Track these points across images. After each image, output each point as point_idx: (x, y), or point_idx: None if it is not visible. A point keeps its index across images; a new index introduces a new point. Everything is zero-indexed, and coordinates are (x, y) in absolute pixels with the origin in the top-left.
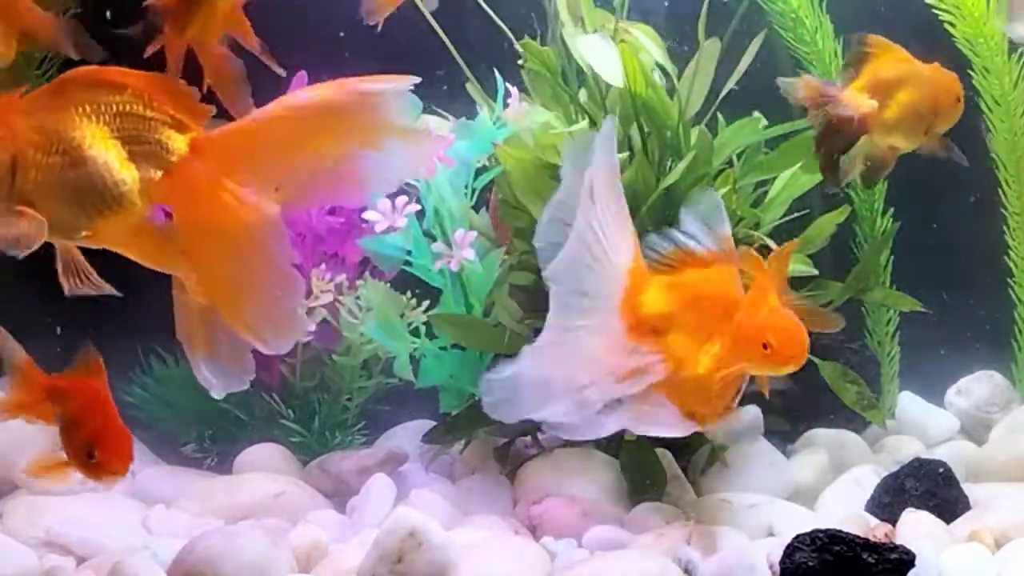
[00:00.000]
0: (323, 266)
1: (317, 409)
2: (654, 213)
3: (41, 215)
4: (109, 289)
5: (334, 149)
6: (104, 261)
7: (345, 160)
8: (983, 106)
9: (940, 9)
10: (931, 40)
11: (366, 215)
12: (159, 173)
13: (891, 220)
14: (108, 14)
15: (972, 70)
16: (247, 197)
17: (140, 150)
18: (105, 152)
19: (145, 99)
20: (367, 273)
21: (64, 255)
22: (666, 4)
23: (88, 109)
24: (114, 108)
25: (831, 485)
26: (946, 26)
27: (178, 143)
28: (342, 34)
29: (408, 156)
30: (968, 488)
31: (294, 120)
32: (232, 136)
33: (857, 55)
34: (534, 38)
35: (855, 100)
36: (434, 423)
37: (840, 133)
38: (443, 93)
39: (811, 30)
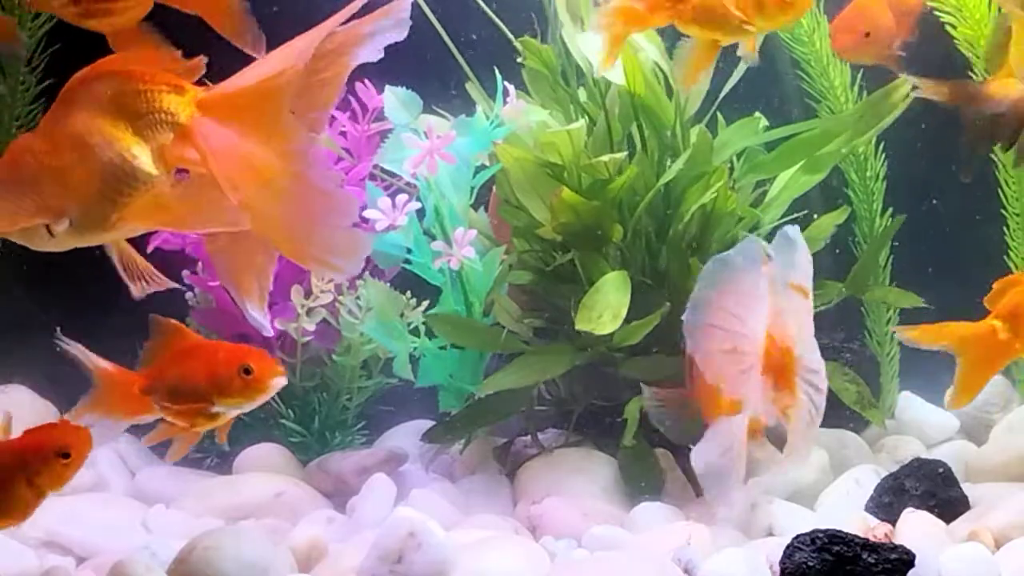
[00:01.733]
0: None
1: (317, 409)
2: (653, 211)
3: (73, 214)
4: (173, 284)
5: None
6: (106, 262)
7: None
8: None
9: (942, 11)
10: (932, 41)
11: (366, 213)
12: (171, 138)
13: (891, 219)
14: None
15: (973, 72)
16: (272, 132)
17: (146, 122)
18: (109, 135)
19: (137, 75)
20: (367, 273)
21: (122, 258)
22: None
23: (89, 104)
24: (110, 94)
25: (831, 485)
26: (947, 28)
27: (182, 105)
28: None
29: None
30: (968, 488)
31: (291, 67)
32: (233, 87)
33: (1001, 35)
34: (534, 37)
35: (1003, 91)
36: (434, 423)
37: (1002, 125)
38: (443, 92)
39: (808, 30)
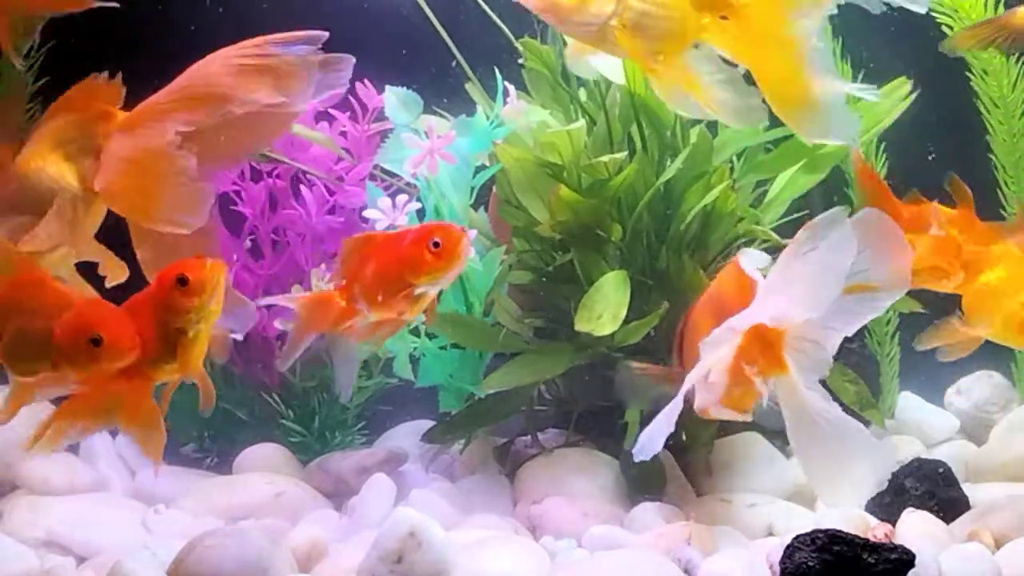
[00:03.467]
0: (323, 266)
1: (317, 409)
2: (653, 211)
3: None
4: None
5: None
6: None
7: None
8: (982, 108)
9: (938, 11)
10: (929, 41)
11: (366, 213)
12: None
13: None
14: None
15: (971, 72)
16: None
17: (77, 148)
18: (41, 161)
19: (75, 109)
20: None
21: None
22: None
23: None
24: (54, 127)
25: None
26: (944, 28)
27: (105, 129)
28: (342, 33)
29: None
30: (968, 488)
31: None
32: (146, 109)
33: None
34: (534, 37)
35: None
36: (434, 423)
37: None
38: (443, 92)
39: None
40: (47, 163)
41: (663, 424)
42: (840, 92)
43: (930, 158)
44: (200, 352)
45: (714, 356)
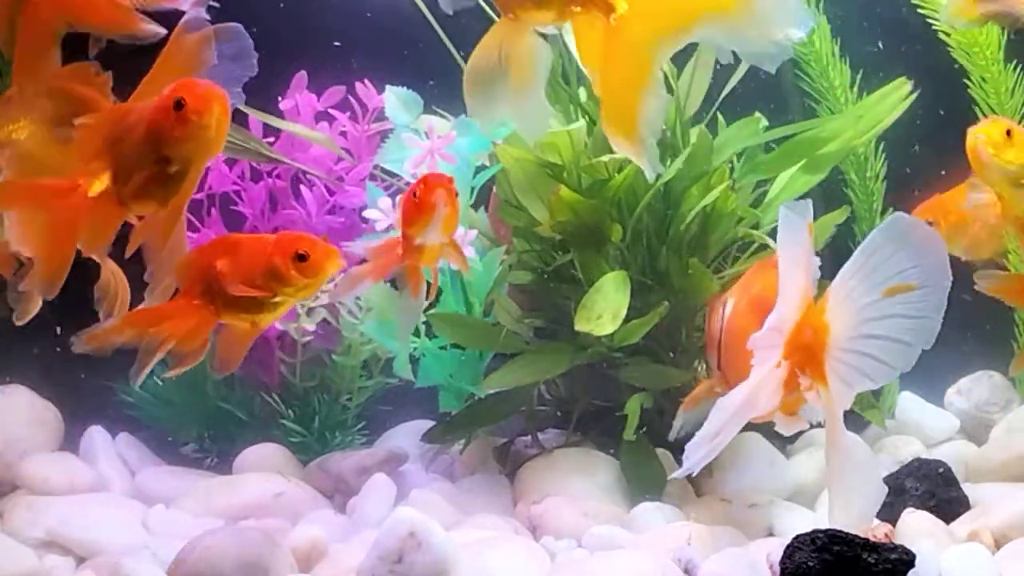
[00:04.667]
0: None
1: (317, 409)
2: (653, 211)
3: None
4: None
5: None
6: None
7: None
8: (980, 114)
9: (937, 19)
10: (927, 49)
11: (366, 213)
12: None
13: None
14: None
15: (969, 79)
16: None
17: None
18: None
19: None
20: None
21: None
22: None
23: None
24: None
25: None
26: (941, 35)
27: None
28: (342, 33)
29: None
30: (968, 488)
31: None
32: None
33: None
34: None
35: None
36: (434, 423)
37: None
38: (443, 92)
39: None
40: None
41: (714, 437)
42: (658, 126)
43: (915, 149)
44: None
45: (765, 368)
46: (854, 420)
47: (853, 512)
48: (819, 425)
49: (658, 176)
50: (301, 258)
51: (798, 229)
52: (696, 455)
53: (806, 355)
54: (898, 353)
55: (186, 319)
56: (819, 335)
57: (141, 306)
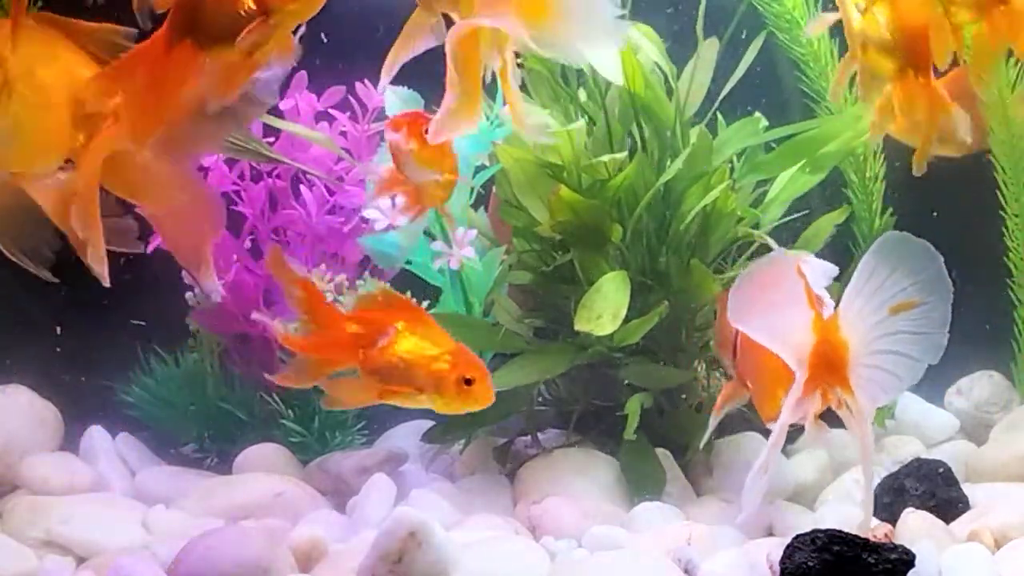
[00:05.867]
0: (323, 266)
1: (317, 409)
2: (653, 211)
3: None
4: None
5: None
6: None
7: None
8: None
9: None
10: None
11: (366, 213)
12: None
13: (889, 218)
14: None
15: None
16: None
17: None
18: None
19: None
20: (367, 273)
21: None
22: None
23: None
24: None
25: (831, 485)
26: None
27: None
28: (342, 33)
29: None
30: (968, 488)
31: None
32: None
33: None
34: None
35: None
36: (434, 423)
37: None
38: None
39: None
40: None
41: (762, 476)
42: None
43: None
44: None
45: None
46: None
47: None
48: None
49: (658, 176)
50: (467, 382)
51: (785, 268)
52: (753, 496)
53: (830, 370)
54: (907, 367)
55: (332, 339)
56: (839, 350)
57: None
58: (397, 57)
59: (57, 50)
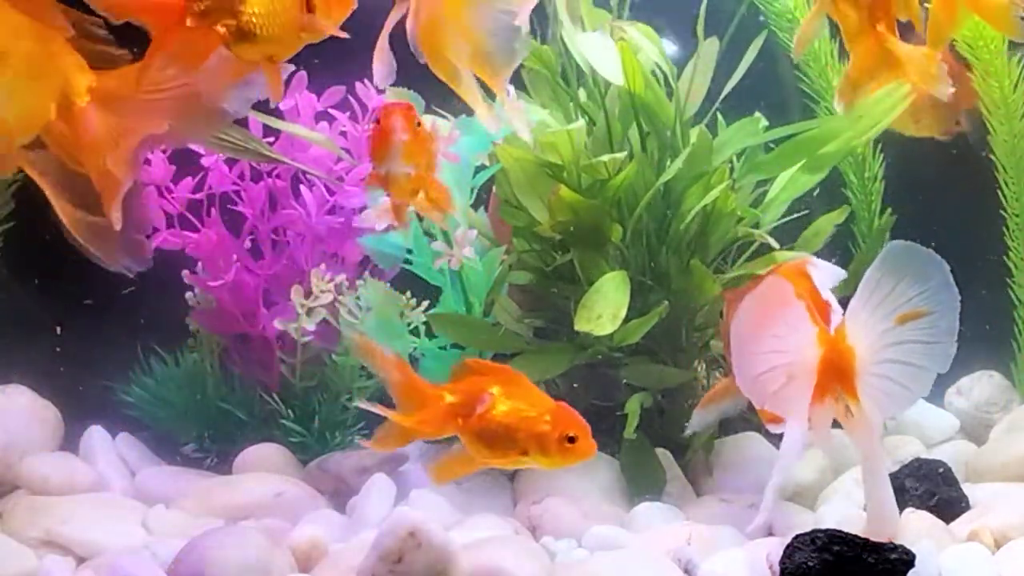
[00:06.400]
0: (323, 266)
1: (317, 409)
2: (653, 211)
3: None
4: None
5: None
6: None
7: None
8: (983, 108)
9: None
10: None
11: (360, 219)
12: None
13: (889, 217)
14: None
15: (972, 74)
16: None
17: None
18: None
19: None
20: (367, 273)
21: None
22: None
23: None
24: None
25: (831, 485)
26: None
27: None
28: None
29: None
30: (968, 488)
31: None
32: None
33: None
34: (534, 37)
35: None
36: None
37: None
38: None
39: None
40: None
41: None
42: None
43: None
44: None
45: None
46: None
47: (890, 520)
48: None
49: (658, 176)
50: (570, 440)
51: (782, 293)
52: (770, 506)
53: (838, 378)
54: (916, 377)
55: (432, 411)
56: (847, 357)
57: None
58: (383, 55)
59: (32, 23)
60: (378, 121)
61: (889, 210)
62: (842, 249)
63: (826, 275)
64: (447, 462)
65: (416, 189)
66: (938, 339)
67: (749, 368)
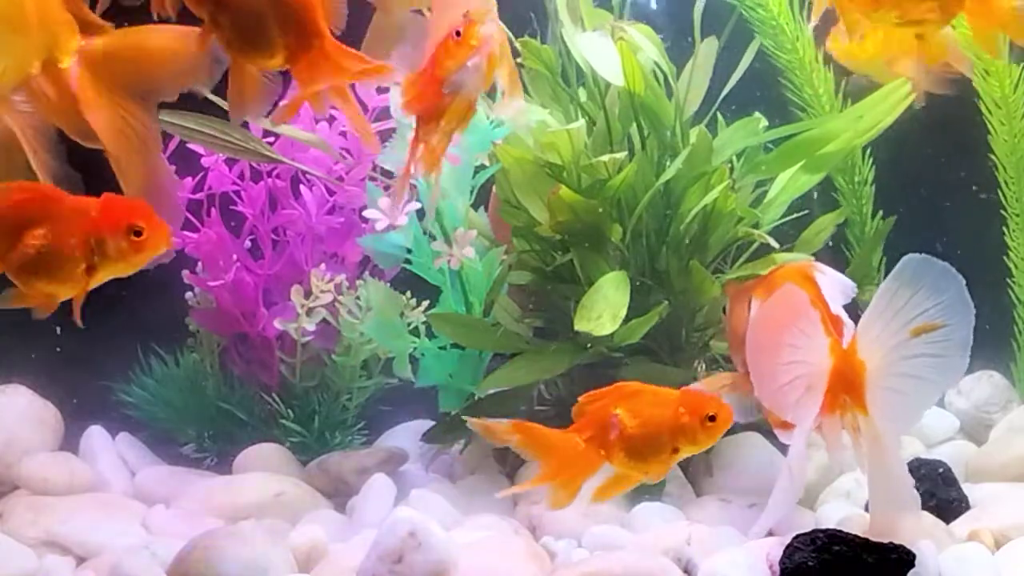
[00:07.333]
0: (323, 266)
1: (317, 409)
2: (653, 211)
3: None
4: None
5: None
6: None
7: None
8: (984, 108)
9: None
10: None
11: (366, 213)
12: None
13: (882, 220)
14: None
15: (973, 73)
16: None
17: None
18: None
19: None
20: (367, 273)
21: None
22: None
23: None
24: None
25: (831, 485)
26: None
27: None
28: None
29: None
30: (968, 488)
31: None
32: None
33: None
34: (534, 37)
35: None
36: (434, 423)
37: None
38: None
39: (792, 38)
40: None
41: (784, 500)
42: None
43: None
44: None
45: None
46: None
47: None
48: None
49: (658, 176)
50: (711, 419)
51: (798, 302)
52: (776, 513)
53: (848, 391)
54: (926, 391)
55: (572, 456)
56: (857, 369)
57: None
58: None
59: None
60: (459, 33)
61: (881, 213)
62: (835, 252)
63: (835, 285)
64: (606, 485)
65: (464, 120)
66: (950, 353)
67: (771, 380)
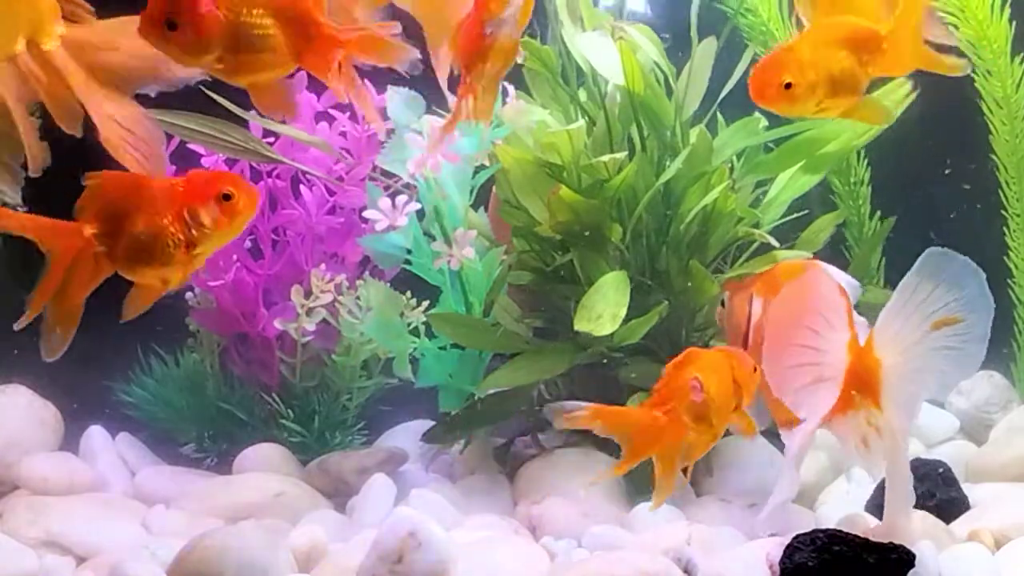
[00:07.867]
0: (323, 266)
1: (317, 409)
2: (653, 211)
3: None
4: None
5: None
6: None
7: None
8: (985, 108)
9: (944, 11)
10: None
11: (366, 214)
12: None
13: (881, 221)
14: None
15: (975, 72)
16: None
17: None
18: None
19: None
20: (367, 273)
21: None
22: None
23: None
24: None
25: (831, 485)
26: (950, 28)
27: None
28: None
29: None
30: (968, 488)
31: None
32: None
33: None
34: (534, 37)
35: None
36: (434, 423)
37: None
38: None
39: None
40: None
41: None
42: None
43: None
44: None
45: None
46: None
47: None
48: None
49: (658, 176)
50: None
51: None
52: (776, 514)
53: (863, 390)
54: (941, 384)
55: (657, 430)
56: (872, 368)
57: None
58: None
59: None
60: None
61: (880, 214)
62: (833, 252)
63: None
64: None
65: (509, 60)
66: (969, 345)
67: (780, 357)
